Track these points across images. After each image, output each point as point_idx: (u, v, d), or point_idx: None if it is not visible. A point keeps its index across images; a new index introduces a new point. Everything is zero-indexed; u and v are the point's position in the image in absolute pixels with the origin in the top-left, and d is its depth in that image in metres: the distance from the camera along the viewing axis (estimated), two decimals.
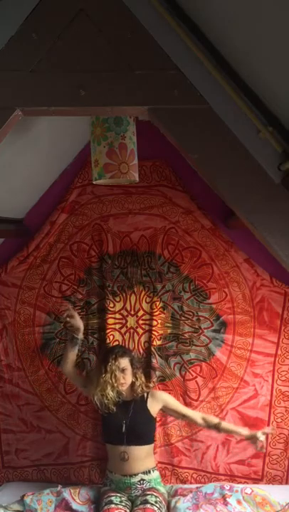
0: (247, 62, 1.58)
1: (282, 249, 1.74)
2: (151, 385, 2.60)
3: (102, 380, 2.38)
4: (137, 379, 2.46)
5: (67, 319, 2.48)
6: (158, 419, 2.66)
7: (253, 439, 2.36)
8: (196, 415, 2.51)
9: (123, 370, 2.41)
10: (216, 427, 2.45)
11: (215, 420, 2.47)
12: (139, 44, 1.62)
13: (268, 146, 1.66)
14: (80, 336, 2.48)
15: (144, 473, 2.41)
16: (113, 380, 2.37)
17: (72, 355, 2.51)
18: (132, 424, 2.40)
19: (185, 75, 1.63)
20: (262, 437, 2.33)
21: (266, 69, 1.51)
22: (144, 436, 2.44)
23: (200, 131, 1.67)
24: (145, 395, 2.48)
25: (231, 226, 2.65)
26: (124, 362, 2.42)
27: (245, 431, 2.42)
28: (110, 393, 2.38)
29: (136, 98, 1.65)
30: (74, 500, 2.43)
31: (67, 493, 2.46)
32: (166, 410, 2.53)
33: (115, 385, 2.38)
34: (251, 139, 1.67)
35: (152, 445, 2.51)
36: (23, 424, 2.84)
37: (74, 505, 2.40)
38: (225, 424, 2.48)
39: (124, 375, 2.41)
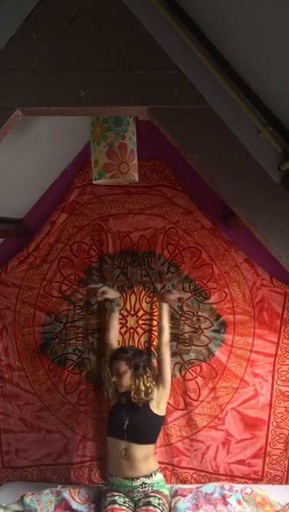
0: (247, 62, 1.58)
1: (283, 249, 1.75)
2: (152, 395, 2.42)
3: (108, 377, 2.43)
4: (135, 383, 2.35)
5: (103, 296, 2.51)
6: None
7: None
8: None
9: (119, 374, 2.35)
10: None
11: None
12: (139, 44, 1.63)
13: (267, 146, 1.67)
14: (121, 303, 2.57)
15: (145, 476, 2.38)
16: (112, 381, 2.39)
17: (116, 320, 2.58)
18: (134, 421, 2.37)
19: (185, 75, 1.64)
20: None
21: (266, 69, 1.51)
22: (145, 435, 2.40)
23: (200, 131, 1.67)
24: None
25: (231, 226, 2.65)
26: (119, 365, 2.36)
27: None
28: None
29: (136, 98, 1.65)
30: (74, 499, 2.42)
31: (67, 493, 2.45)
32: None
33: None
34: (251, 139, 1.67)
35: (153, 446, 2.47)
36: (23, 424, 2.84)
37: (74, 505, 2.39)
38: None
39: (120, 378, 2.35)
